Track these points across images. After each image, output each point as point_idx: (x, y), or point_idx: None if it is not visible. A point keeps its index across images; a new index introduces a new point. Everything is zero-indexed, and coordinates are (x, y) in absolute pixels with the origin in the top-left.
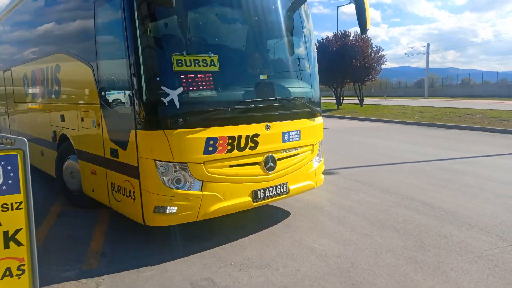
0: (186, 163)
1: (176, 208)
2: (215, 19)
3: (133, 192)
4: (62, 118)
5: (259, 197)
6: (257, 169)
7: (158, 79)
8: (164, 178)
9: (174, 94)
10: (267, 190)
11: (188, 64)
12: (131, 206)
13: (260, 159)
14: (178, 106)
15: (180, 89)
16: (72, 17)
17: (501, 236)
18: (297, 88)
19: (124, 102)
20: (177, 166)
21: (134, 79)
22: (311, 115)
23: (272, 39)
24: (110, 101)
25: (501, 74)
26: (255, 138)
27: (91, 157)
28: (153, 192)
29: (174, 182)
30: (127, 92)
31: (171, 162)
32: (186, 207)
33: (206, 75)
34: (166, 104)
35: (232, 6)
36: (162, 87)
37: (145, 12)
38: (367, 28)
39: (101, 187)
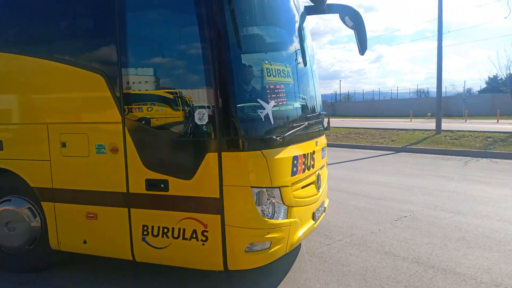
0: (279, 187)
1: (270, 242)
2: (290, 29)
3: (204, 232)
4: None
5: (316, 218)
6: (313, 188)
7: (252, 90)
8: (259, 208)
9: (268, 108)
10: (318, 209)
11: (274, 74)
12: (196, 252)
13: (314, 177)
14: (272, 122)
15: (273, 102)
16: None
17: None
18: (319, 102)
19: (190, 118)
20: (272, 192)
21: (219, 89)
22: (324, 130)
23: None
24: (154, 117)
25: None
26: (313, 155)
27: (85, 195)
28: (247, 226)
29: (269, 211)
30: (201, 105)
31: (266, 187)
32: (278, 240)
33: (286, 87)
34: (263, 119)
35: (299, 19)
36: (258, 100)
37: (239, 7)
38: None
39: (109, 235)
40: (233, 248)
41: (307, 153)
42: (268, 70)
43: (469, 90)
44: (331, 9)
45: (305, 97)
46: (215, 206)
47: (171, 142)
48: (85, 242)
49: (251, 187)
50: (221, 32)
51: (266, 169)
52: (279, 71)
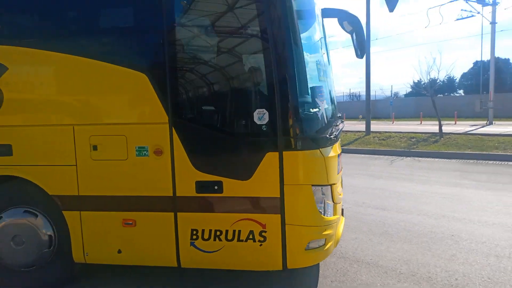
0: (331, 185)
1: (325, 239)
2: (323, 32)
3: (262, 232)
4: (8, 150)
5: (343, 214)
6: (340, 186)
7: (310, 90)
8: (318, 206)
9: (323, 108)
10: (342, 208)
11: (321, 74)
12: (253, 253)
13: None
14: (326, 121)
15: (324, 102)
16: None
17: None
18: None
19: (249, 118)
20: (326, 190)
21: (281, 89)
22: None
23: None
24: (207, 117)
25: None
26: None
27: (121, 201)
28: (308, 224)
29: (324, 209)
30: (260, 104)
31: (323, 185)
32: (330, 236)
33: (325, 88)
34: (319, 118)
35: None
36: (316, 99)
37: (297, 11)
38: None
39: (150, 242)
40: (294, 247)
41: (339, 153)
42: (319, 71)
43: (396, 94)
44: (330, 14)
45: (334, 97)
46: (275, 205)
47: (227, 142)
48: (119, 251)
49: (312, 185)
50: (283, 33)
51: (324, 168)
52: (323, 72)
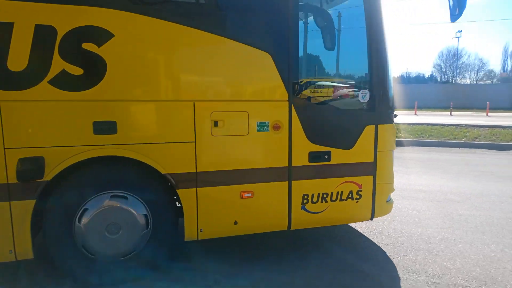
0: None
1: (391, 194)
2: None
3: (359, 191)
4: (112, 127)
5: None
6: None
7: (392, 75)
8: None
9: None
10: None
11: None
12: (351, 209)
13: None
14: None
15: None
16: None
17: None
18: None
19: (355, 97)
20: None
21: (378, 76)
22: None
23: None
24: (321, 96)
25: None
26: None
27: (241, 175)
28: (389, 181)
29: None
30: (364, 86)
31: (392, 150)
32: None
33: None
34: (393, 100)
35: None
36: (392, 86)
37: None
38: None
39: (265, 211)
40: (380, 201)
41: None
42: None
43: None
44: None
45: None
46: (370, 168)
47: (336, 117)
48: (235, 223)
49: (391, 151)
50: (381, 34)
51: (394, 137)
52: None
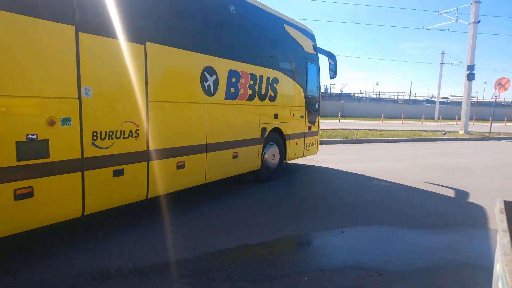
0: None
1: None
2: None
3: (316, 142)
4: (276, 116)
5: None
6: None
7: (316, 100)
8: None
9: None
10: None
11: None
12: (314, 148)
13: None
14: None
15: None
16: (296, 58)
17: None
18: None
19: (315, 107)
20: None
21: (309, 100)
22: None
23: None
24: (310, 106)
25: None
26: None
27: (296, 135)
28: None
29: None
30: (316, 103)
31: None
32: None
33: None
34: (318, 107)
35: None
36: (317, 104)
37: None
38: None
39: (300, 149)
40: (318, 144)
41: None
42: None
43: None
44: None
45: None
46: (317, 133)
47: (311, 114)
48: (294, 154)
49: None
50: (318, 76)
51: (319, 124)
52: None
